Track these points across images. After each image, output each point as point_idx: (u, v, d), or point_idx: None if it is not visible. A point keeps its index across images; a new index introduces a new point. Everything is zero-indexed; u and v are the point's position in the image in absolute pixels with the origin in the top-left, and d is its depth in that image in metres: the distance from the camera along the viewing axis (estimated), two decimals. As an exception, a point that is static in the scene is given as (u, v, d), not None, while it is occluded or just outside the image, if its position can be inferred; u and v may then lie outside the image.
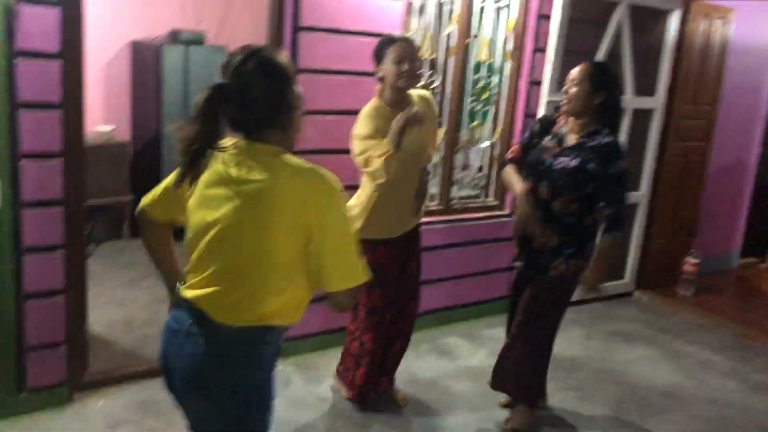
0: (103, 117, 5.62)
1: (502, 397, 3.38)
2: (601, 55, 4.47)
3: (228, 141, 1.71)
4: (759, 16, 5.54)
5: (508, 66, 4.32)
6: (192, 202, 1.72)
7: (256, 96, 1.65)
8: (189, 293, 1.71)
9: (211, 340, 1.67)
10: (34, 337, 2.94)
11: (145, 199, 1.89)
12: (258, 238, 1.63)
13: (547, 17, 4.23)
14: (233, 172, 1.65)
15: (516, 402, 3.22)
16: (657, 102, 4.94)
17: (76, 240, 3.01)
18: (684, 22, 4.88)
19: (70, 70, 2.83)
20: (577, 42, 4.34)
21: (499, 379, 3.22)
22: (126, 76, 5.73)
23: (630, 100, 4.76)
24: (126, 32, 5.64)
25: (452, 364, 3.85)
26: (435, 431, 3.15)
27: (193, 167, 1.66)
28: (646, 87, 4.89)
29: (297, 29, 3.36)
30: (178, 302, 1.78)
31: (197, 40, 5.54)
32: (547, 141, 3.02)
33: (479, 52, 4.20)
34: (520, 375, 3.13)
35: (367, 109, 2.96)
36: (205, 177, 1.69)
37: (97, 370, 3.27)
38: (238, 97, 1.64)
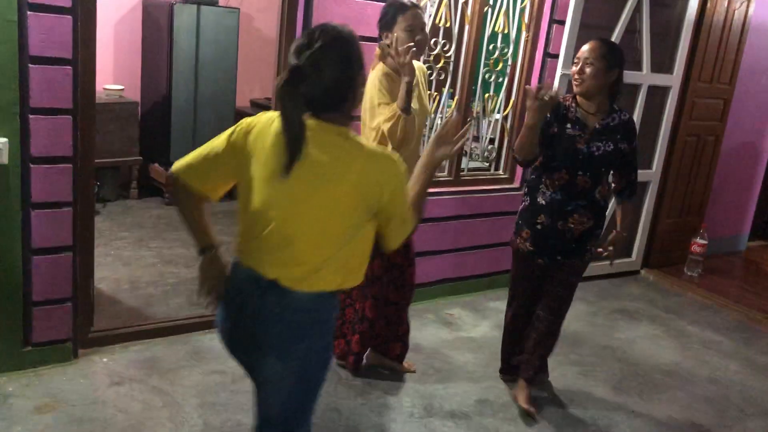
0: (113, 76, 5.59)
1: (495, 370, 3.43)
2: (619, 29, 4.40)
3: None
4: (782, -5, 5.43)
5: (523, 37, 4.26)
6: (258, 175, 1.75)
7: (329, 78, 1.70)
8: (256, 262, 1.78)
9: (286, 306, 1.77)
10: (40, 293, 2.95)
11: (181, 165, 1.85)
12: (328, 211, 1.72)
13: (566, -12, 4.16)
14: (314, 142, 1.69)
15: (527, 380, 3.20)
16: (673, 80, 4.87)
17: (84, 198, 3.00)
18: (705, -2, 4.80)
19: (82, 26, 2.80)
20: (595, 15, 4.27)
21: (520, 364, 3.24)
22: (137, 35, 5.69)
23: (646, 77, 4.69)
24: (138, -10, 5.59)
25: (455, 334, 3.86)
26: (435, 400, 3.17)
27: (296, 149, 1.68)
28: (662, 64, 4.82)
29: (311, -8, 3.31)
30: (238, 270, 1.83)
31: (210, 1, 5.48)
32: (570, 129, 2.92)
33: (496, 22, 4.14)
34: (541, 356, 3.20)
35: (378, 77, 2.85)
36: (271, 152, 1.73)
37: (103, 328, 3.29)
38: (312, 79, 1.68)
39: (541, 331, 3.14)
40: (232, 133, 1.81)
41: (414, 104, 2.82)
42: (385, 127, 2.74)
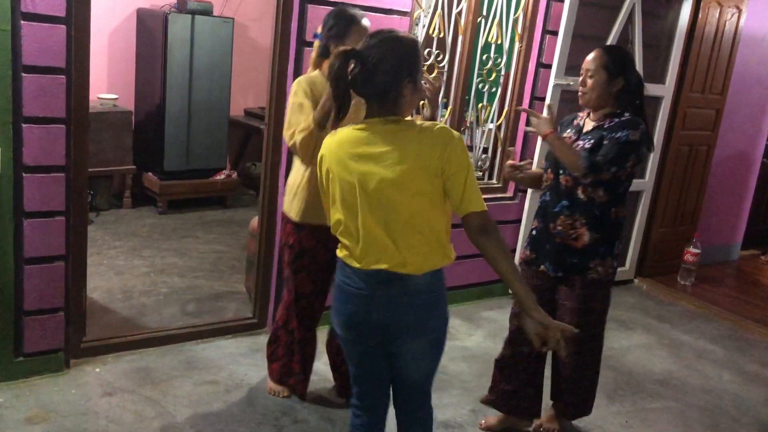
0: (107, 85, 5.59)
1: (487, 417, 3.15)
2: (611, 39, 4.43)
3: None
4: (772, 7, 5.48)
5: (516, 47, 4.29)
6: (335, 185, 2.00)
7: (378, 71, 1.91)
8: (366, 260, 1.99)
9: (407, 292, 1.99)
10: (32, 303, 2.94)
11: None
12: (407, 195, 1.92)
13: (559, -1, 4.19)
14: (371, 140, 1.93)
15: (571, 416, 3.10)
16: (666, 89, 4.90)
17: (77, 207, 3.00)
18: (696, 9, 4.83)
19: (75, 35, 2.80)
20: (588, 25, 4.30)
21: (560, 399, 3.07)
22: (131, 44, 5.69)
23: (638, 87, 4.71)
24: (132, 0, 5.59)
25: (449, 344, 3.81)
26: (430, 410, 3.16)
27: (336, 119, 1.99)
28: (655, 74, 4.85)
29: (305, 1, 3.31)
30: (349, 271, 2.03)
31: (204, 11, 5.49)
32: (567, 133, 2.88)
33: (489, 32, 4.16)
34: (584, 389, 3.02)
35: (303, 78, 2.74)
36: (343, 147, 1.97)
37: (95, 338, 3.28)
38: (363, 66, 1.92)
39: (565, 376, 2.96)
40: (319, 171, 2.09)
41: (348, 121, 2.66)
42: (298, 138, 2.59)
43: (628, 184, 2.82)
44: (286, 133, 2.69)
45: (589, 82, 2.75)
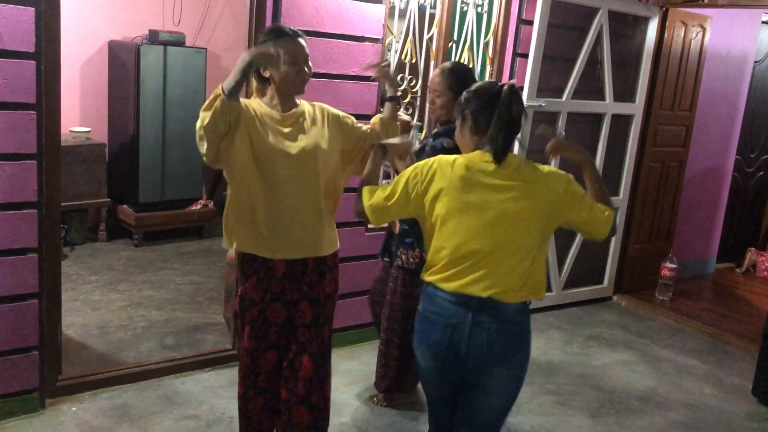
0: (80, 118, 5.55)
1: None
2: (581, 60, 4.50)
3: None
4: (734, 25, 5.61)
5: (488, 71, 4.33)
6: (449, 206, 2.05)
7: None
8: (464, 285, 2.04)
9: (501, 320, 2.04)
10: (4, 342, 2.88)
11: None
12: (524, 225, 2.04)
13: (528, 22, 4.25)
14: (494, 174, 2.05)
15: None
16: (636, 108, 4.98)
17: (50, 243, 2.95)
18: (662, 29, 4.94)
19: (46, 70, 2.78)
20: (557, 48, 4.37)
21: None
22: (103, 77, 5.66)
23: (609, 106, 4.79)
24: (103, 32, 5.57)
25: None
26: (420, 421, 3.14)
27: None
28: (625, 93, 4.93)
29: (277, 31, 3.33)
30: (439, 295, 2.07)
31: (176, 41, 5.49)
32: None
33: (461, 57, 4.20)
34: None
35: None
36: (457, 183, 2.05)
37: (71, 376, 3.21)
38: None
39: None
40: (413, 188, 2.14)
41: (302, 141, 2.38)
42: (202, 115, 2.15)
43: None
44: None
45: (438, 101, 3.01)
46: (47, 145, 2.85)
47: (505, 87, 2.06)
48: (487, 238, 2.03)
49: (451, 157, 2.11)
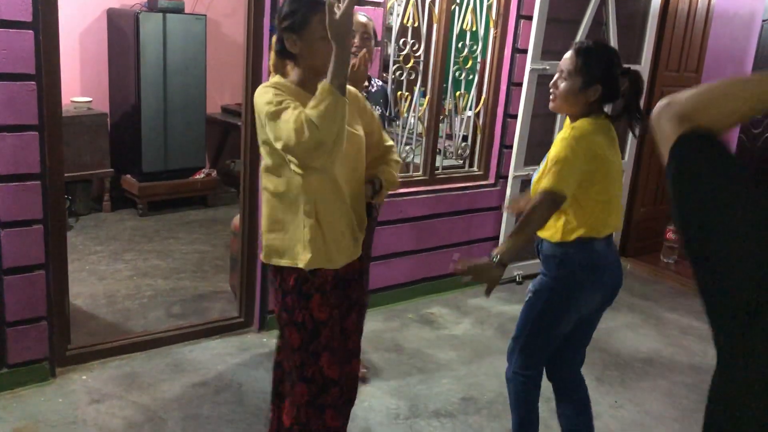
0: (81, 87, 5.51)
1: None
2: (586, 21, 4.43)
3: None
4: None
5: (492, 34, 4.28)
6: (608, 154, 2.34)
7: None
8: (609, 228, 2.38)
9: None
10: (14, 313, 2.90)
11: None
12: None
13: (532, -17, 4.18)
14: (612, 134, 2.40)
15: None
16: (642, 69, 4.91)
17: (55, 214, 2.96)
18: (669, -12, 4.85)
19: (44, 40, 2.75)
20: (562, 9, 4.29)
21: None
22: (103, 46, 5.61)
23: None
24: None
25: (437, 333, 3.86)
26: (420, 400, 3.17)
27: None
28: (630, 54, 4.86)
29: (277, -4, 3.28)
30: (598, 243, 2.36)
31: (176, 8, 5.42)
32: None
33: (464, 20, 4.14)
34: None
35: (266, 84, 2.06)
36: (609, 134, 2.37)
37: (80, 345, 3.25)
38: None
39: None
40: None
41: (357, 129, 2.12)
42: (313, 113, 1.83)
43: None
44: (284, 135, 1.86)
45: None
46: (48, 116, 2.83)
47: None
48: (617, 187, 2.48)
49: (593, 122, 2.39)
